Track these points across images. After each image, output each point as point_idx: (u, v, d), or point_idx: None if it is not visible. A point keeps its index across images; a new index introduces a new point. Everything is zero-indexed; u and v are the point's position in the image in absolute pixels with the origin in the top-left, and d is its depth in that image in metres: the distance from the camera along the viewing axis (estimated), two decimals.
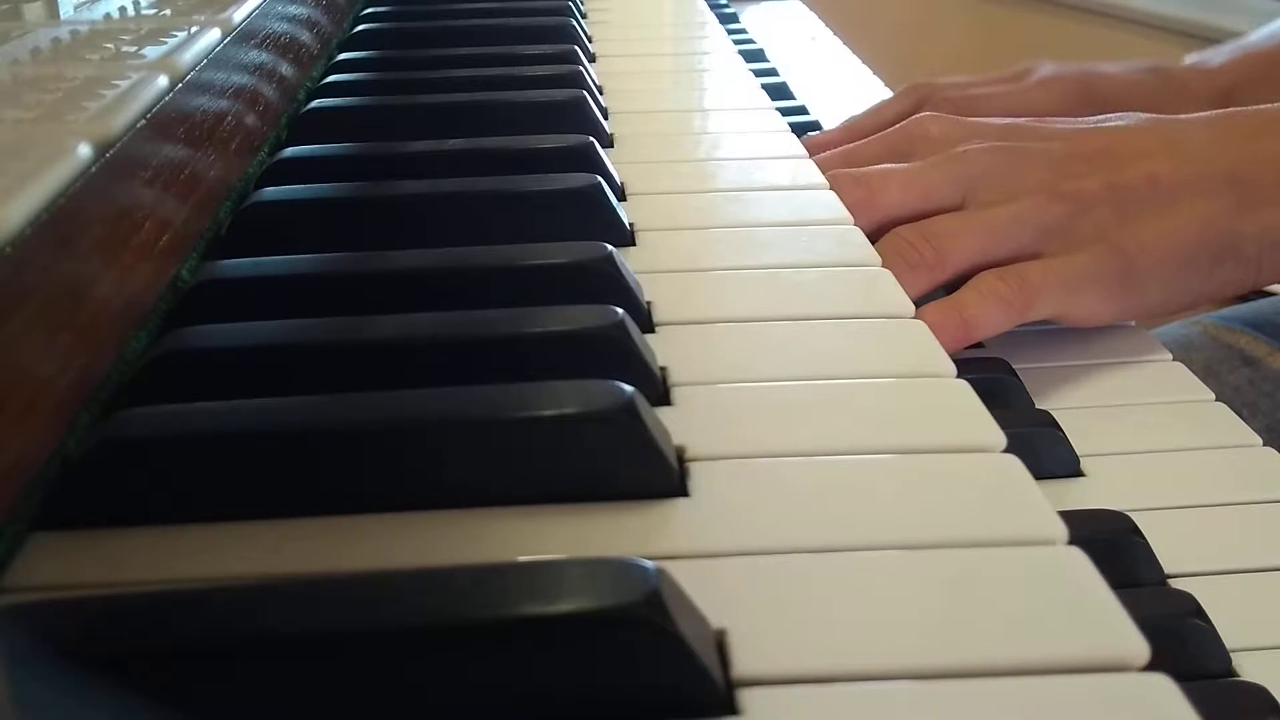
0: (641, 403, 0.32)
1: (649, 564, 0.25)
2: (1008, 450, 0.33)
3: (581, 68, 0.67)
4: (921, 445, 0.34)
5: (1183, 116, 0.55)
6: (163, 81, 0.41)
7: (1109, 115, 0.57)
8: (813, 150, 0.65)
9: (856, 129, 0.69)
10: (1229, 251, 0.51)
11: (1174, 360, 0.50)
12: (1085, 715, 0.24)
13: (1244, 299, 0.62)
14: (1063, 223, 0.51)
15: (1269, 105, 0.55)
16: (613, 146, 0.60)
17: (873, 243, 0.50)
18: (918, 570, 0.28)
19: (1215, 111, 0.56)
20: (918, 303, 0.44)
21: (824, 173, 0.56)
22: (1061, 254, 0.51)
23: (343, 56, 0.71)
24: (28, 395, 0.30)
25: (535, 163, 0.51)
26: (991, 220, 0.52)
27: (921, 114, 0.59)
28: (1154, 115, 0.56)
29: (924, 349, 0.39)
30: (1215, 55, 0.74)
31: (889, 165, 0.56)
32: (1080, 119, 0.57)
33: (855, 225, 0.50)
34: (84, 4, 0.51)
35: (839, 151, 0.60)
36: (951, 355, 0.39)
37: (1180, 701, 0.24)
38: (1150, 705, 0.24)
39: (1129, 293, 0.51)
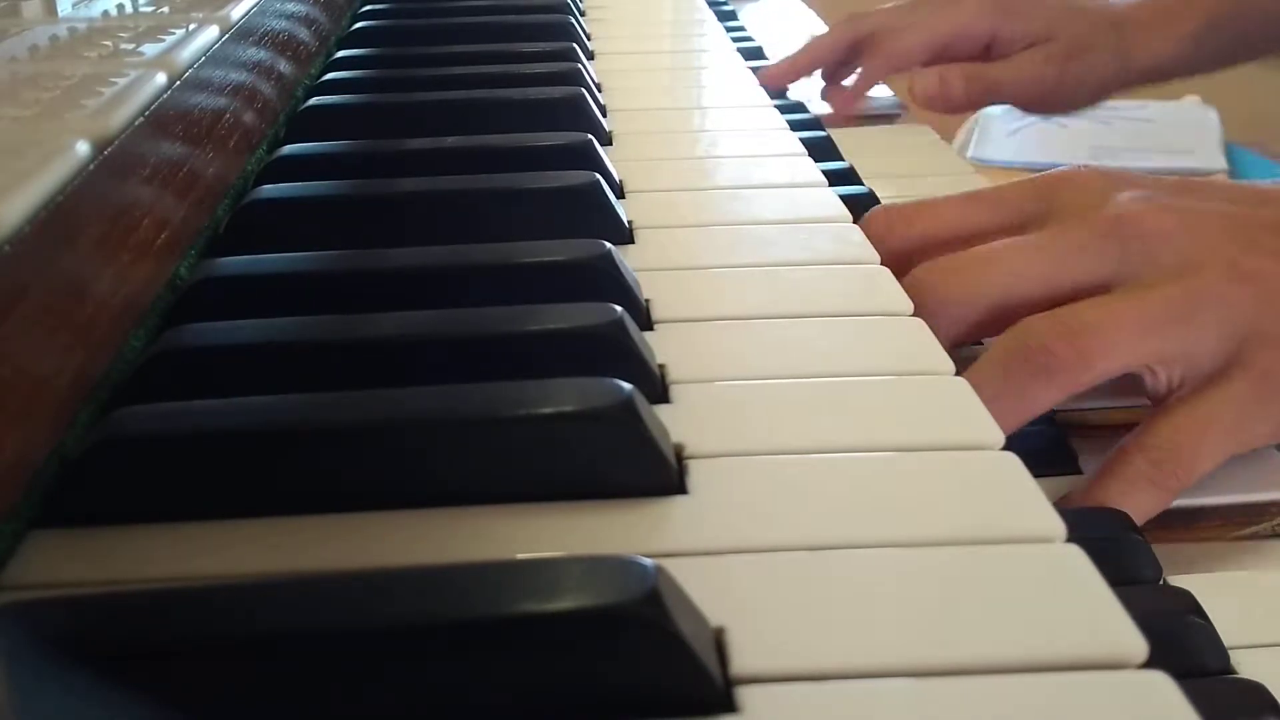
0: (640, 401, 0.32)
1: (648, 562, 0.25)
2: (1005, 447, 0.33)
3: (580, 65, 0.67)
4: (919, 442, 0.34)
5: None
6: (161, 79, 0.41)
7: None
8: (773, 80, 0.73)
9: (801, 63, 0.80)
10: None
11: None
12: (1084, 712, 0.24)
13: None
14: (1246, 314, 0.40)
15: None
16: (611, 144, 0.60)
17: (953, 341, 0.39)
18: (916, 567, 0.28)
19: None
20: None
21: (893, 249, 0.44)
22: (1235, 371, 0.40)
23: (341, 54, 0.71)
24: (27, 393, 0.30)
25: (534, 160, 0.51)
26: (1150, 306, 0.40)
27: (1065, 170, 0.47)
28: None
29: (922, 346, 0.39)
30: None
31: (999, 243, 0.44)
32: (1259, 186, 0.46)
33: (935, 325, 0.40)
34: (81, 1, 0.51)
35: (936, 231, 0.46)
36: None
37: (1179, 699, 0.24)
38: (1149, 702, 0.24)
39: None
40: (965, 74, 0.78)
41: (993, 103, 0.84)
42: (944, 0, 0.81)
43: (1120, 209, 0.42)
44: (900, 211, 0.48)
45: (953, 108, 0.80)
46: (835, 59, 0.83)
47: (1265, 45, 0.86)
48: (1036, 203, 0.45)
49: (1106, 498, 0.39)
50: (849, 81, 0.82)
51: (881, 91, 0.85)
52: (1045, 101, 0.83)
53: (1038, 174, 0.47)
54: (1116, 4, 0.84)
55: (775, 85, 0.78)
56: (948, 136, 0.85)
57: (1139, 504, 0.39)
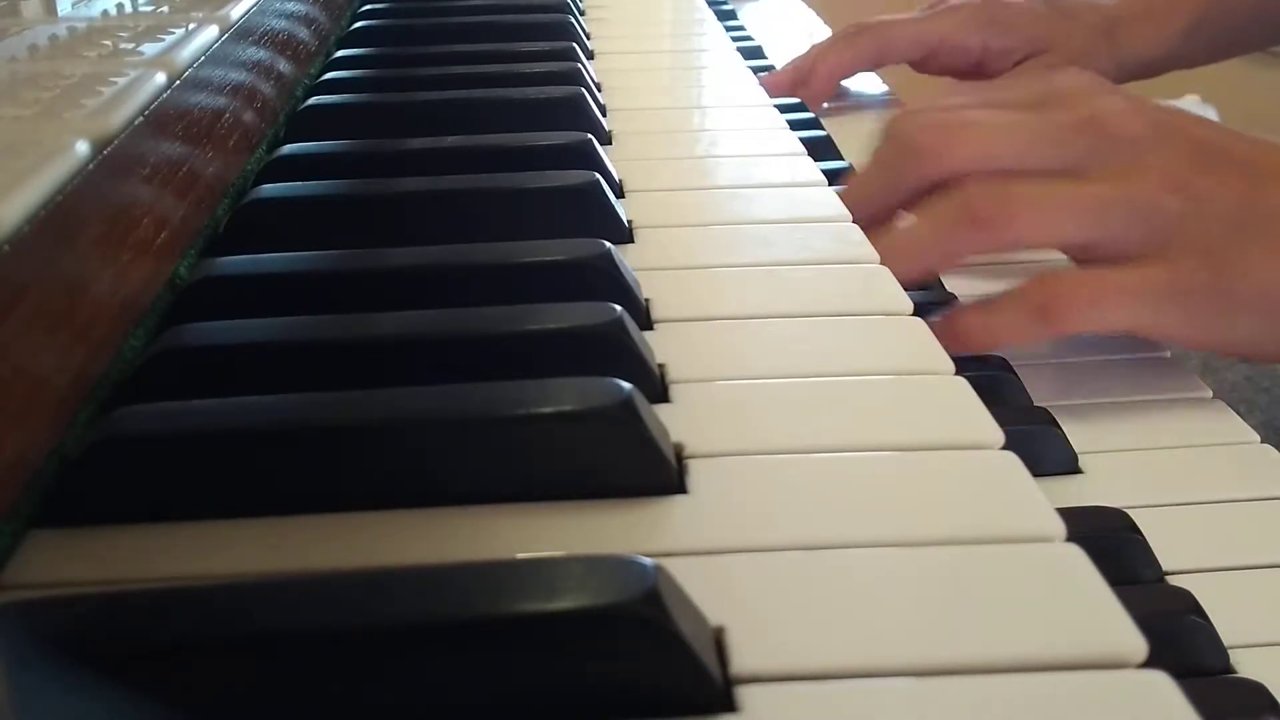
0: (640, 400, 0.32)
1: (647, 561, 0.25)
2: (1006, 447, 0.33)
3: (580, 65, 0.67)
4: (919, 442, 0.34)
5: None
6: (160, 78, 0.41)
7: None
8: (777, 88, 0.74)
9: (803, 68, 0.80)
10: None
11: (1171, 357, 0.50)
12: (1083, 712, 0.24)
13: None
14: (1171, 222, 0.45)
15: None
16: (611, 143, 0.60)
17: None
18: (916, 567, 0.28)
19: None
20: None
21: (913, 120, 0.51)
22: (1147, 261, 0.45)
23: (341, 53, 0.71)
24: (26, 393, 0.30)
25: (533, 160, 0.51)
26: (1083, 197, 0.45)
27: (1066, 70, 0.53)
28: None
29: (922, 345, 0.39)
30: None
31: (984, 110, 0.50)
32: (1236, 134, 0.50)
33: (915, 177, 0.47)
34: (81, 1, 0.51)
35: (968, 102, 0.52)
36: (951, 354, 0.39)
37: (1178, 698, 0.24)
38: (1148, 702, 0.24)
39: (1215, 322, 0.45)
40: None
41: None
42: (938, 11, 0.83)
43: (1098, 109, 0.48)
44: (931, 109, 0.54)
45: None
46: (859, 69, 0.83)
47: (1256, 38, 0.87)
48: (1038, 95, 0.50)
49: (998, 310, 0.45)
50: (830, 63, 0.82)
51: (874, 86, 0.85)
52: None
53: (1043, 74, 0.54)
54: (1105, 2, 0.84)
55: (780, 94, 0.79)
56: None
57: (1020, 326, 0.45)
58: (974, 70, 0.82)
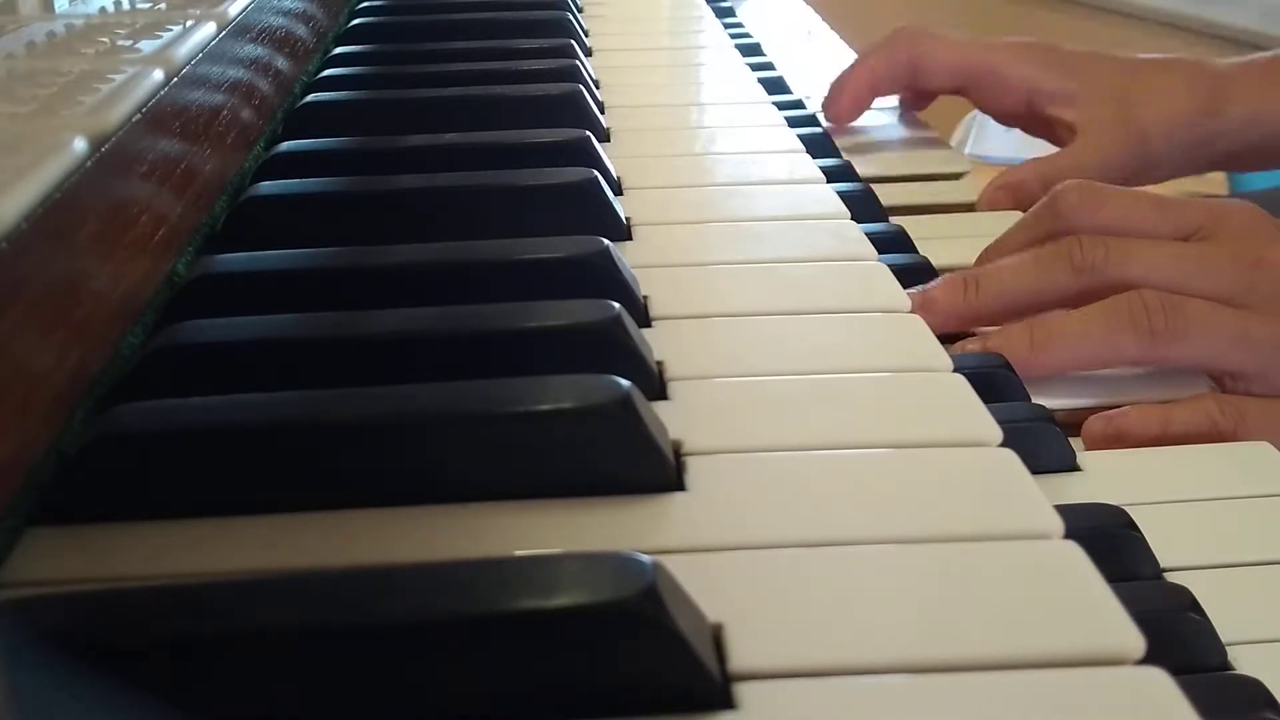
0: (638, 397, 0.32)
1: (646, 558, 0.25)
2: (1004, 445, 0.33)
3: (578, 62, 0.67)
4: (918, 439, 0.34)
5: None
6: (158, 76, 0.41)
7: None
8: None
9: (864, 93, 0.72)
10: None
11: None
12: (1081, 709, 0.24)
13: None
14: None
15: None
16: (609, 141, 0.60)
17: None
18: (914, 564, 0.28)
19: None
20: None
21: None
22: None
23: (339, 50, 0.70)
24: (23, 390, 0.30)
25: (531, 157, 0.51)
26: (1253, 329, 0.46)
27: (1239, 205, 0.51)
28: None
29: (920, 343, 0.39)
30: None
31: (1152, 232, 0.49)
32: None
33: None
34: None
35: None
36: (950, 352, 0.39)
37: (1176, 695, 0.24)
38: (1146, 699, 0.24)
39: None
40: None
41: None
42: (986, 41, 0.74)
43: (1265, 253, 0.48)
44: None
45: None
46: (895, 83, 0.75)
47: None
48: (1206, 220, 0.50)
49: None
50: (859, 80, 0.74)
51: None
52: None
53: (1214, 198, 0.52)
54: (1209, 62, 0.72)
55: (845, 122, 0.74)
56: (946, 133, 0.84)
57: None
58: (1015, 108, 0.73)
